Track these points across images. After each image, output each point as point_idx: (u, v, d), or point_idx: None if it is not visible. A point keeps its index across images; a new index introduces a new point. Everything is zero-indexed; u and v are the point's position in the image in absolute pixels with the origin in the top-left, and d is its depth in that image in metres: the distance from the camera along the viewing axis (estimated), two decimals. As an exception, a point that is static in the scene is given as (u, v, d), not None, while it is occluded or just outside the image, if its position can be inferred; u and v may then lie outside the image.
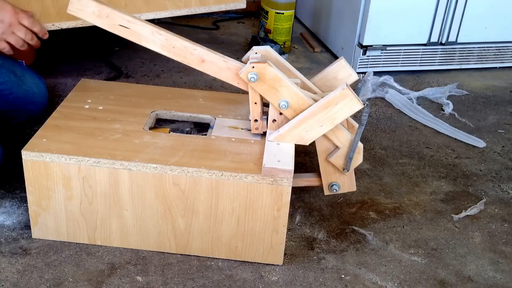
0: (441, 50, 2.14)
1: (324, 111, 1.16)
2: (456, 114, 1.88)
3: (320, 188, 1.31)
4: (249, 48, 1.30)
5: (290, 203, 1.16)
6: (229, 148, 1.20)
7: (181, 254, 1.22)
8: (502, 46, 2.21)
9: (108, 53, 2.10)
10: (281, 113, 1.21)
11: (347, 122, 1.32)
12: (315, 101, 1.18)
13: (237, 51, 2.22)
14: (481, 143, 1.73)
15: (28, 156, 1.14)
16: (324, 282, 1.19)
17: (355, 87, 1.27)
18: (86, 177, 1.15)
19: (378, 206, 1.43)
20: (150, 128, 1.28)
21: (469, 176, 1.58)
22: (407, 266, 1.25)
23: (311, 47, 2.32)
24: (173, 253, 1.22)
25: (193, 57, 1.20)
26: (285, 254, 1.23)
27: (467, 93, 2.03)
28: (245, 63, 1.18)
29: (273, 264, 1.22)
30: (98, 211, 1.19)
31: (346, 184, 1.29)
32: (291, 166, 1.12)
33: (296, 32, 2.39)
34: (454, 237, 1.35)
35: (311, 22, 2.45)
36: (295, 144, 1.20)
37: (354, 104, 1.15)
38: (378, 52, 2.08)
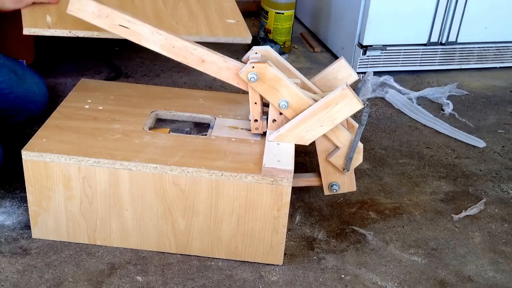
0: (441, 50, 2.14)
1: (324, 111, 1.16)
2: (456, 114, 1.88)
3: (320, 188, 1.31)
4: (249, 48, 1.30)
5: (290, 203, 1.16)
6: (229, 148, 1.20)
7: (181, 254, 1.22)
8: (502, 46, 2.21)
9: (108, 53, 2.10)
10: (281, 113, 1.20)
11: (347, 122, 1.32)
12: (315, 101, 1.18)
13: (237, 51, 2.21)
14: (481, 143, 1.73)
15: (28, 156, 1.14)
16: (324, 282, 1.19)
17: (355, 87, 1.27)
18: (86, 177, 1.15)
19: (378, 206, 1.43)
20: (150, 128, 1.28)
21: (469, 176, 1.58)
22: (407, 266, 1.25)
23: (311, 47, 2.32)
24: (173, 253, 1.22)
25: (193, 57, 1.20)
26: (285, 254, 1.23)
27: (467, 93, 2.03)
28: (245, 63, 1.18)
29: (273, 264, 1.22)
30: (98, 211, 1.19)
31: (346, 184, 1.29)
32: (291, 166, 1.12)
33: (296, 32, 2.39)
34: (454, 237, 1.35)
35: (311, 22, 2.45)
36: (295, 144, 1.20)
37: (354, 104, 1.15)
38: (378, 52, 2.08)
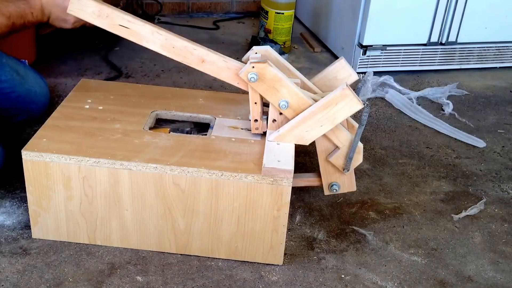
0: (441, 50, 2.14)
1: (324, 111, 1.16)
2: (456, 114, 1.88)
3: (320, 188, 1.31)
4: (249, 48, 1.30)
5: (290, 203, 1.16)
6: (229, 148, 1.20)
7: (181, 254, 1.22)
8: (502, 46, 2.21)
9: (108, 53, 2.10)
10: (281, 113, 1.20)
11: (347, 122, 1.32)
12: (315, 101, 1.18)
13: (237, 51, 2.22)
14: (481, 143, 1.73)
15: (28, 156, 1.14)
16: (324, 282, 1.19)
17: (355, 87, 1.27)
18: (86, 177, 1.15)
19: (378, 206, 1.43)
20: (150, 128, 1.28)
21: (469, 176, 1.58)
22: (407, 266, 1.25)
23: (311, 47, 2.32)
24: (173, 253, 1.22)
25: (193, 57, 1.20)
26: (285, 254, 1.23)
27: (467, 93, 2.03)
28: (245, 63, 1.18)
29: (273, 264, 1.22)
30: (98, 211, 1.19)
31: (346, 184, 1.29)
32: (291, 166, 1.12)
33: (296, 32, 2.39)
34: (454, 237, 1.35)
35: (311, 22, 2.45)
36: (295, 144, 1.20)
37: (354, 104, 1.15)
38: (378, 52, 2.08)
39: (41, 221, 1.21)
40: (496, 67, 2.24)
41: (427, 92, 1.98)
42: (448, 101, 1.92)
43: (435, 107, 1.93)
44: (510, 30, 2.17)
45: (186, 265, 1.20)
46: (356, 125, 1.33)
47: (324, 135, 1.21)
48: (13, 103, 1.43)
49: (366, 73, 1.99)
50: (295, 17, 2.33)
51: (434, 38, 2.11)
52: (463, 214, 1.42)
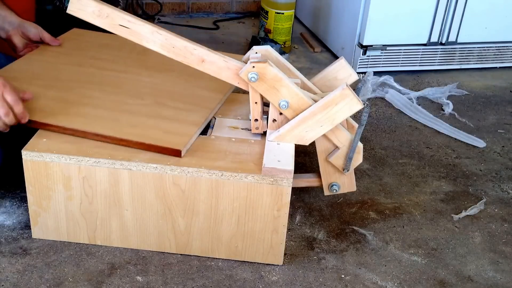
0: (441, 50, 2.14)
1: (324, 111, 1.16)
2: (456, 114, 1.88)
3: (320, 188, 1.31)
4: (249, 48, 1.30)
5: (290, 203, 1.16)
6: (229, 148, 1.20)
7: (181, 254, 1.22)
8: (502, 46, 2.21)
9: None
10: (281, 113, 1.20)
11: (347, 122, 1.32)
12: (315, 101, 1.18)
13: (237, 51, 2.21)
14: (481, 143, 1.73)
15: (28, 156, 1.14)
16: (324, 282, 1.19)
17: (355, 87, 1.27)
18: (86, 177, 1.15)
19: (378, 206, 1.43)
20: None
21: (469, 176, 1.58)
22: (407, 266, 1.25)
23: (311, 47, 2.32)
24: (173, 253, 1.22)
25: (193, 57, 1.20)
26: (285, 254, 1.23)
27: (467, 93, 2.03)
28: (246, 63, 1.18)
29: (273, 264, 1.22)
30: (98, 211, 1.19)
31: (346, 184, 1.29)
32: (291, 166, 1.12)
33: (296, 32, 2.39)
34: (454, 237, 1.35)
35: (311, 22, 2.45)
36: (295, 144, 1.20)
37: (354, 104, 1.15)
38: (378, 52, 2.08)
39: (41, 221, 1.21)
40: (496, 67, 2.24)
41: (427, 92, 1.98)
42: (448, 101, 1.92)
43: (435, 107, 1.93)
44: (510, 30, 2.17)
45: (186, 265, 1.20)
46: (356, 125, 1.33)
47: (324, 135, 1.21)
48: None
49: (366, 73, 2.00)
50: (295, 17, 2.33)
51: (434, 38, 2.11)
52: (463, 214, 1.42)
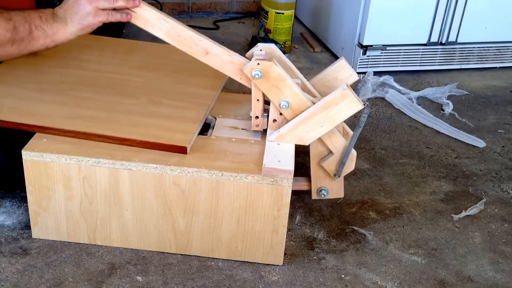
0: (441, 50, 2.14)
1: (325, 112, 1.16)
2: (456, 114, 1.88)
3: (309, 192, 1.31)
4: (249, 48, 1.30)
5: (290, 203, 1.16)
6: (229, 148, 1.20)
7: (181, 254, 1.22)
8: (502, 46, 2.21)
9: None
10: (281, 113, 1.20)
11: (343, 129, 1.32)
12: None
13: (237, 51, 2.19)
14: (481, 143, 1.73)
15: (28, 156, 1.14)
16: (324, 282, 1.19)
17: (355, 87, 1.27)
18: (86, 177, 1.15)
19: (378, 206, 1.43)
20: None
21: (469, 176, 1.58)
22: (407, 266, 1.25)
23: (311, 47, 2.32)
24: (173, 253, 1.22)
25: (197, 48, 1.19)
26: (285, 254, 1.23)
27: (467, 93, 2.03)
28: (249, 59, 1.18)
29: (273, 264, 1.22)
30: (98, 211, 1.19)
31: (335, 190, 1.29)
32: (291, 166, 1.12)
33: (296, 32, 2.39)
34: (454, 237, 1.35)
35: (311, 22, 2.45)
36: (295, 144, 1.20)
37: (355, 105, 1.15)
38: (378, 52, 2.08)
39: (41, 221, 1.21)
40: (496, 67, 2.24)
41: (427, 92, 1.98)
42: (448, 101, 1.92)
43: (435, 107, 1.93)
44: (510, 30, 2.17)
45: (186, 265, 1.20)
46: (351, 132, 1.32)
47: (320, 140, 1.20)
48: None
49: (366, 73, 1.99)
50: (295, 17, 2.33)
51: (434, 38, 2.11)
52: (463, 214, 1.42)
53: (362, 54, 2.06)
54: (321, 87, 1.32)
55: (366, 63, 2.09)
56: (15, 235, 1.24)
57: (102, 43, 1.52)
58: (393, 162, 1.62)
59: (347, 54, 2.11)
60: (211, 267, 1.20)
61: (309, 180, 1.29)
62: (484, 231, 1.38)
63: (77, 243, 1.23)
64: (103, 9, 1.16)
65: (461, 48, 2.16)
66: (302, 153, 1.58)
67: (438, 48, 2.13)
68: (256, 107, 1.21)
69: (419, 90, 1.99)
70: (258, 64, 1.14)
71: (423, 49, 2.12)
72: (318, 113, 1.16)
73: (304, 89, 1.27)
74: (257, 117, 1.23)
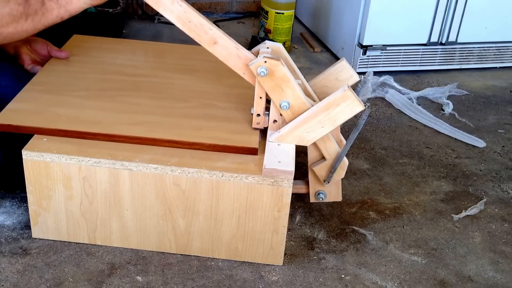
0: (441, 50, 2.14)
1: (325, 112, 1.16)
2: (456, 114, 1.88)
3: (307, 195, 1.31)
4: (249, 48, 1.29)
5: (290, 203, 1.16)
6: (229, 148, 1.20)
7: (181, 254, 1.22)
8: (502, 46, 2.21)
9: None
10: (281, 114, 1.20)
11: (337, 137, 1.31)
12: (313, 108, 1.17)
13: (237, 50, 2.21)
14: (481, 143, 1.73)
15: (28, 155, 1.14)
16: (324, 282, 1.19)
17: (356, 88, 1.27)
18: (86, 177, 1.15)
19: (378, 206, 1.43)
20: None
21: (469, 176, 1.58)
22: (407, 266, 1.25)
23: (311, 47, 2.32)
24: (173, 253, 1.22)
25: (206, 36, 1.17)
26: (285, 254, 1.23)
27: (467, 93, 2.03)
28: (255, 56, 1.17)
29: (273, 264, 1.22)
30: (99, 211, 1.19)
31: (333, 193, 1.29)
32: (291, 167, 1.12)
33: (296, 32, 2.39)
34: (454, 237, 1.35)
35: (311, 22, 2.45)
36: (295, 145, 1.20)
37: (355, 106, 1.15)
38: (378, 52, 2.08)
39: (41, 221, 1.21)
40: (496, 67, 2.24)
41: (427, 92, 1.98)
42: (448, 101, 1.92)
43: (435, 107, 1.93)
44: (510, 30, 2.17)
45: (186, 265, 1.20)
46: (344, 141, 1.32)
47: (315, 144, 1.20)
48: None
49: (366, 73, 1.99)
50: (295, 17, 2.33)
51: (434, 38, 2.11)
52: (463, 214, 1.42)
53: (362, 54, 2.06)
54: (322, 87, 1.32)
55: (366, 63, 2.09)
56: (15, 235, 1.24)
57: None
58: (393, 162, 1.62)
59: (347, 54, 2.11)
60: (211, 267, 1.20)
61: (307, 183, 1.29)
62: (484, 231, 1.38)
63: (77, 243, 1.23)
64: None
65: (461, 48, 2.16)
66: (302, 153, 1.58)
67: (438, 48, 2.13)
68: (258, 105, 1.21)
69: (419, 90, 1.99)
70: (265, 62, 1.14)
71: (423, 49, 2.12)
72: (319, 113, 1.16)
73: (305, 92, 1.27)
74: (258, 114, 1.22)
